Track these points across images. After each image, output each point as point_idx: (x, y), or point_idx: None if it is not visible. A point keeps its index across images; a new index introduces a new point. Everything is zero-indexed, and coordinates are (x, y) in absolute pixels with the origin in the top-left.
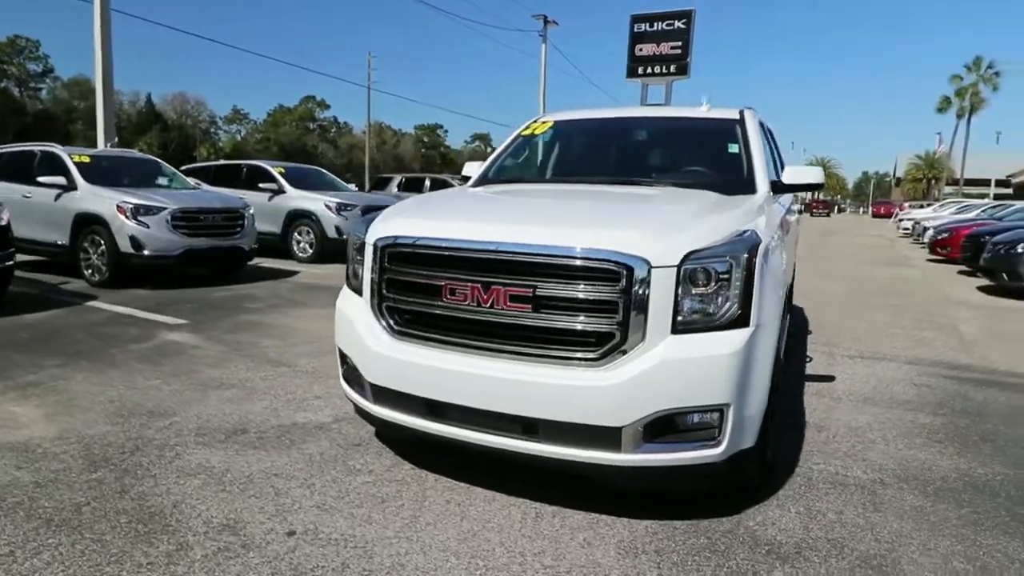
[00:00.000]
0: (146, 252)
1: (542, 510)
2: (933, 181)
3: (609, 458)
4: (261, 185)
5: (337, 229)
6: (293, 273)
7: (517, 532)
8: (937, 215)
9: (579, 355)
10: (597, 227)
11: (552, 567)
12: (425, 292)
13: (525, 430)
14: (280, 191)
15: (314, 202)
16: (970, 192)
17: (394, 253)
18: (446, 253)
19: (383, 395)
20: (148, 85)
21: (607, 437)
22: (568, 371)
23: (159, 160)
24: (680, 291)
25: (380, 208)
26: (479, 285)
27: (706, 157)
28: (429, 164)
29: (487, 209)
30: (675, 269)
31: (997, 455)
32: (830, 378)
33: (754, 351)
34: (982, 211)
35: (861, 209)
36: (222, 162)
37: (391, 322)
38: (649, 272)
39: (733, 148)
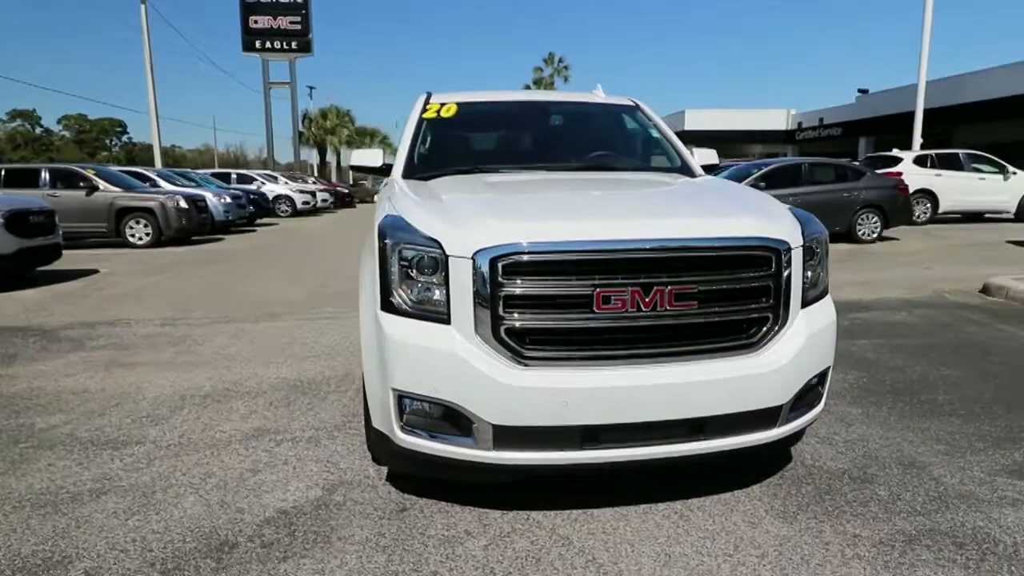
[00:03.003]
0: None
1: (676, 509)
2: None
3: (765, 436)
4: None
5: None
6: None
7: (692, 538)
8: None
9: (738, 343)
10: (736, 215)
11: (765, 554)
12: (567, 306)
13: (692, 431)
14: None
15: None
16: None
17: (515, 264)
18: (600, 257)
19: (514, 437)
20: None
21: (768, 417)
22: (732, 362)
23: None
24: (805, 268)
25: (35, 212)
26: (639, 288)
27: (639, 143)
28: None
29: (588, 204)
30: (802, 248)
31: (859, 366)
32: None
33: None
34: None
35: None
36: None
37: (517, 347)
38: (790, 253)
39: (654, 133)
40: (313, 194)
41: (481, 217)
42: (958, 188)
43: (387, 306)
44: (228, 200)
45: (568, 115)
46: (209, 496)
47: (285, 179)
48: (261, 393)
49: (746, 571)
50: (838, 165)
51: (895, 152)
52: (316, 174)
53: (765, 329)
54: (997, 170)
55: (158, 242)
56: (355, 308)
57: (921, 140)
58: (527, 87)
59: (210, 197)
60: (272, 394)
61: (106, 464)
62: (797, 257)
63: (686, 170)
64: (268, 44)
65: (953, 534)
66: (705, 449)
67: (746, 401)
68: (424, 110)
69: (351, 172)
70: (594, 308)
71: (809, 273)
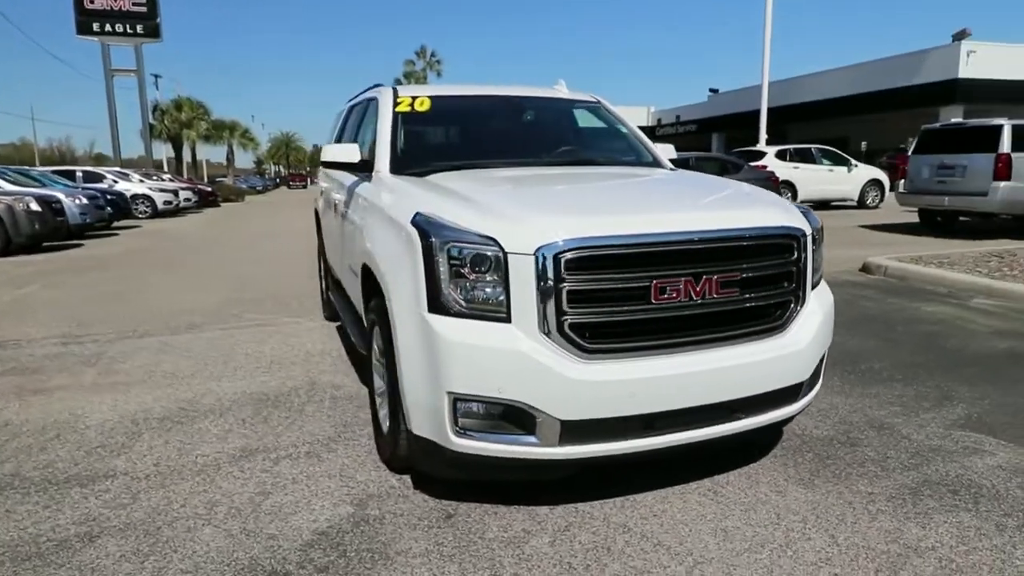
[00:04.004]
0: None
1: (707, 487)
2: None
3: (789, 411)
4: None
5: None
6: None
7: (736, 512)
8: None
9: (768, 326)
10: (762, 207)
11: (806, 519)
12: (627, 297)
13: (733, 411)
14: None
15: None
16: None
17: (578, 259)
18: (658, 249)
19: (580, 431)
20: None
21: (793, 393)
22: (763, 344)
23: None
24: (814, 255)
25: None
26: (691, 278)
27: (612, 137)
28: None
29: (626, 198)
30: (812, 236)
31: None
32: None
33: None
34: None
35: None
36: None
37: (580, 341)
38: (806, 239)
39: (623, 128)
40: (175, 192)
41: (538, 213)
42: (813, 179)
43: (436, 307)
44: (85, 201)
45: (541, 110)
46: (228, 525)
47: (140, 177)
48: (226, 410)
49: (797, 536)
50: (720, 158)
51: (760, 147)
52: (171, 170)
53: (790, 311)
54: (839, 163)
55: (6, 250)
56: (287, 314)
57: (766, 137)
58: (398, 81)
59: (64, 198)
60: (239, 410)
61: (81, 504)
62: (810, 244)
63: (658, 163)
64: (108, 27)
65: (944, 483)
66: (744, 427)
67: (777, 379)
68: (396, 104)
69: (206, 168)
70: (651, 299)
71: (815, 260)
